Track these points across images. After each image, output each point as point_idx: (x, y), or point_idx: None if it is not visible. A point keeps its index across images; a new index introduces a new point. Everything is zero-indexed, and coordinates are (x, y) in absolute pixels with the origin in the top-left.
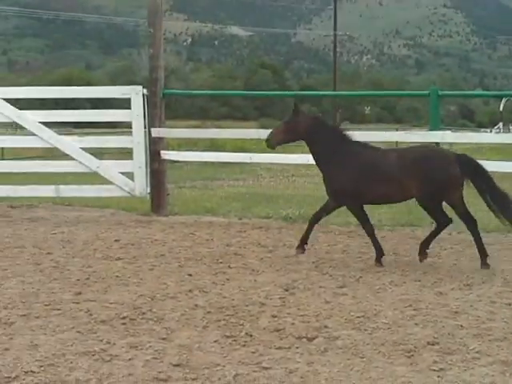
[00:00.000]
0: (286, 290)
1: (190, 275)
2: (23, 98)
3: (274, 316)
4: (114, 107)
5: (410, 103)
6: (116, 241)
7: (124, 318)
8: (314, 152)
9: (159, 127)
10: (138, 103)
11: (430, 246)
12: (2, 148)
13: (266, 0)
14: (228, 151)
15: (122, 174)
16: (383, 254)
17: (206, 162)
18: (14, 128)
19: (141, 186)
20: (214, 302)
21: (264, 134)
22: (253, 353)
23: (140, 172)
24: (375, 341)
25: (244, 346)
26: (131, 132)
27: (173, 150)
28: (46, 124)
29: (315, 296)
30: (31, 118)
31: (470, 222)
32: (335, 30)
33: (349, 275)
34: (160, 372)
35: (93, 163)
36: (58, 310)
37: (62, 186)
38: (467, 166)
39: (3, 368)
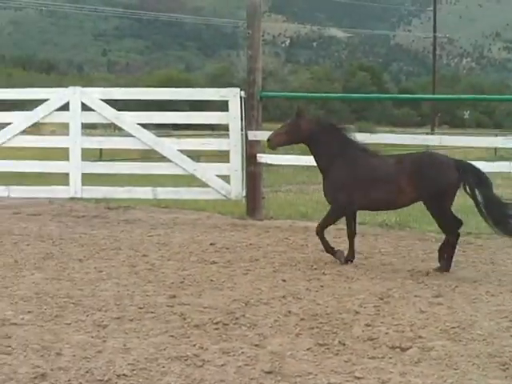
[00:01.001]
0: (381, 299)
1: (284, 281)
2: (122, 99)
3: (367, 325)
4: (213, 109)
5: (510, 108)
6: (211, 244)
7: (217, 322)
8: (314, 155)
9: (256, 130)
10: (235, 105)
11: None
12: (101, 149)
13: (365, 1)
14: None
15: (218, 176)
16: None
17: (301, 166)
18: (113, 129)
19: (237, 189)
20: (308, 308)
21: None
22: (345, 362)
23: (236, 175)
24: (470, 352)
25: (337, 354)
26: (228, 134)
27: (269, 153)
28: (146, 125)
29: (410, 305)
30: (129, 120)
31: (454, 234)
32: (435, 31)
33: (445, 284)
34: (252, 379)
35: (190, 166)
36: (152, 313)
37: (159, 189)
38: (466, 173)
39: (96, 371)
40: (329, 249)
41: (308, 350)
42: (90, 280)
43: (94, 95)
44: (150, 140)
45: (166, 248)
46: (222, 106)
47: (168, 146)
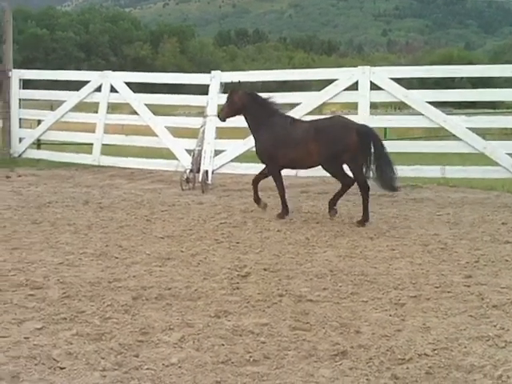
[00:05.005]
0: None
1: None
2: (404, 78)
3: None
4: (491, 87)
5: None
6: (503, 224)
7: None
8: (247, 122)
9: None
10: None
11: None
12: (385, 128)
13: None
14: None
15: (509, 154)
16: (288, 213)
17: None
18: (393, 108)
19: None
20: None
21: None
22: None
23: None
24: None
25: None
26: None
27: None
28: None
29: None
30: (418, 98)
31: (364, 188)
32: None
33: None
34: None
35: (479, 144)
36: (449, 292)
37: (447, 167)
38: (365, 136)
39: (396, 349)
40: (285, 206)
41: None
42: (383, 258)
43: (384, 74)
44: (438, 118)
45: (457, 227)
46: (502, 84)
47: (457, 123)
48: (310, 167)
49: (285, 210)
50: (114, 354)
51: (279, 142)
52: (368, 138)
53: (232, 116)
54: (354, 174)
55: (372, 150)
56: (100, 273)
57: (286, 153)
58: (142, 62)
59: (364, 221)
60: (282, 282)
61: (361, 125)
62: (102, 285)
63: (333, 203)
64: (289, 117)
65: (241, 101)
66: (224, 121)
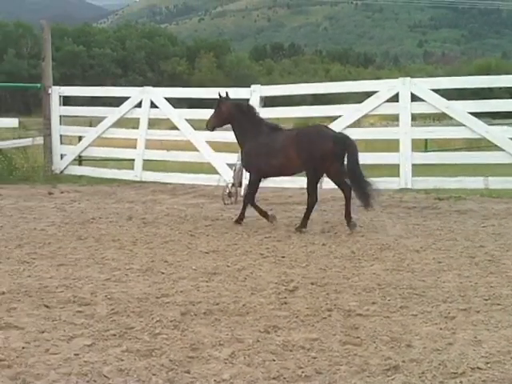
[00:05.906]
0: None
1: None
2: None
3: None
4: None
5: None
6: None
7: None
8: (234, 132)
9: None
10: None
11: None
12: (426, 139)
13: None
14: None
15: None
16: (243, 219)
17: None
18: (431, 119)
19: None
20: None
21: None
22: None
23: None
24: None
25: None
26: None
27: None
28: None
29: None
30: (460, 109)
31: (346, 189)
32: None
33: None
34: None
35: None
36: (498, 304)
37: (490, 178)
38: (340, 145)
39: (449, 363)
40: (262, 213)
41: None
42: (430, 271)
43: (424, 85)
44: (481, 129)
45: (503, 239)
46: None
47: (499, 134)
48: (291, 174)
49: (240, 217)
50: (165, 370)
51: (266, 151)
52: (343, 146)
53: (219, 126)
54: (333, 176)
55: (345, 157)
56: (147, 288)
57: (272, 162)
58: (178, 78)
59: (350, 221)
60: (330, 296)
61: (338, 133)
62: (150, 300)
63: (303, 225)
64: (275, 126)
65: (228, 111)
66: (212, 130)
